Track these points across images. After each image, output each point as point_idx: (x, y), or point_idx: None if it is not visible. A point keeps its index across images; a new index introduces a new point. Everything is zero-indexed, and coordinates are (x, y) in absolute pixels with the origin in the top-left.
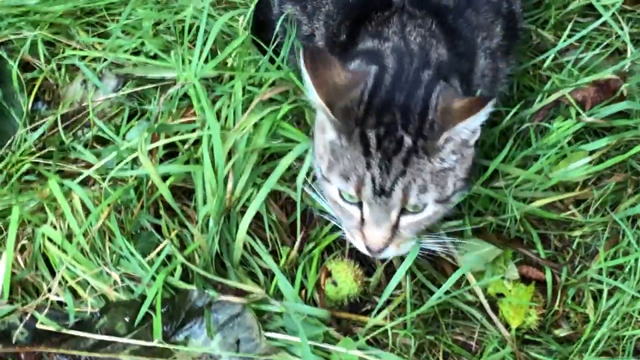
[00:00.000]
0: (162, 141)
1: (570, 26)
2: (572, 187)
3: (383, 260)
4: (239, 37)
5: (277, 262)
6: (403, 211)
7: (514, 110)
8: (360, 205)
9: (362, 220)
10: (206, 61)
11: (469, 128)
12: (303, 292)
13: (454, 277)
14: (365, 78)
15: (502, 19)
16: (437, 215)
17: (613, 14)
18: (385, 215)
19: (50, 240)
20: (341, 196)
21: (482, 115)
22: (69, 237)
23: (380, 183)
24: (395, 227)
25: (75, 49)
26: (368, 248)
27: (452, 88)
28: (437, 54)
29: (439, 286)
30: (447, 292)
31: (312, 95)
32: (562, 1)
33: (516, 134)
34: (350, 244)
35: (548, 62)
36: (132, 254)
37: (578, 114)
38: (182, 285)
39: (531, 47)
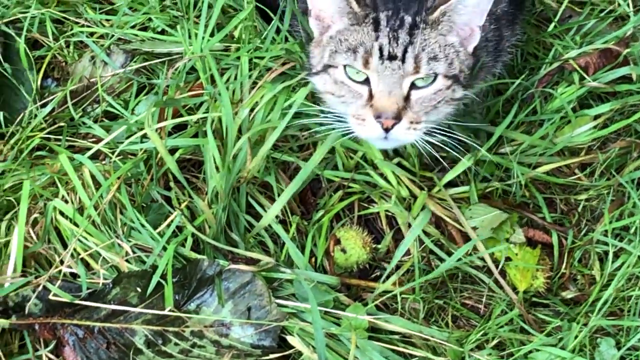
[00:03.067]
0: (170, 119)
1: None
2: (577, 151)
3: (391, 228)
4: (245, 10)
5: (287, 231)
6: (413, 86)
7: (518, 81)
8: (368, 82)
9: (371, 96)
10: (212, 35)
11: (462, 9)
12: (313, 259)
13: (465, 248)
14: None
15: None
16: (443, 101)
17: None
18: (397, 82)
19: (61, 213)
20: (348, 77)
21: None
22: (80, 210)
23: (390, 50)
24: (407, 100)
25: (83, 26)
26: (381, 119)
27: None
28: None
29: (447, 252)
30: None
31: None
32: None
33: (521, 100)
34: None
35: (551, 28)
36: (142, 225)
37: (582, 79)
38: (193, 255)
39: (535, 14)
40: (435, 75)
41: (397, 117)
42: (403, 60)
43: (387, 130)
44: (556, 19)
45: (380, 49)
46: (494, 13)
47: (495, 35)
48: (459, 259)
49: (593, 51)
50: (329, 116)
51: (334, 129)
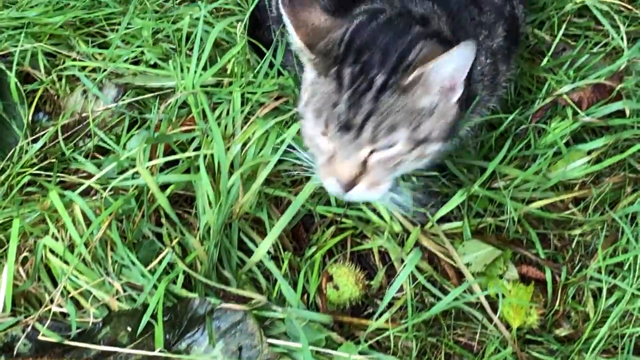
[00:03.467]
0: (162, 155)
1: (564, 26)
2: (571, 186)
3: (384, 264)
4: (237, 44)
5: (279, 267)
6: (373, 151)
7: (512, 116)
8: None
9: (333, 156)
10: (205, 69)
11: (442, 70)
12: (305, 296)
13: (460, 289)
14: (349, 22)
15: (504, 21)
16: (410, 158)
17: (608, 13)
18: (354, 150)
19: (52, 251)
20: (316, 130)
21: (455, 57)
22: (71, 247)
23: (347, 119)
24: (365, 164)
25: (75, 59)
26: (338, 182)
27: (440, 48)
28: (437, 24)
29: (441, 288)
30: (447, 294)
31: (292, 37)
32: (559, 3)
33: (514, 135)
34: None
35: (544, 62)
36: (133, 263)
37: (575, 113)
38: (184, 293)
39: (528, 47)
40: (396, 142)
41: (353, 184)
42: (361, 129)
43: (346, 190)
44: (549, 54)
45: (339, 117)
46: (490, 48)
47: (491, 69)
48: (451, 296)
49: (587, 86)
50: (310, 158)
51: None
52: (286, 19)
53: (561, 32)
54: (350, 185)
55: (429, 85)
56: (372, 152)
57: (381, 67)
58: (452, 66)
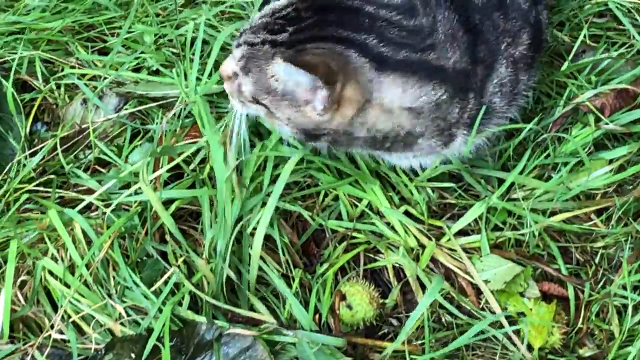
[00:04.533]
0: (166, 168)
1: (586, 27)
2: (592, 196)
3: (399, 281)
4: None
5: (289, 284)
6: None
7: (531, 125)
8: None
9: None
10: (211, 75)
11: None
12: (317, 315)
13: (484, 323)
14: None
15: (530, 27)
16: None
17: (629, 12)
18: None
19: (51, 273)
20: None
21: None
22: (72, 267)
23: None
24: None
25: (74, 67)
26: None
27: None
28: (443, 54)
29: (458, 306)
30: (465, 312)
31: None
32: (579, 2)
33: (533, 143)
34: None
35: (565, 67)
36: (136, 284)
37: (598, 120)
38: (191, 315)
39: (547, 50)
40: None
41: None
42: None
43: None
44: (569, 58)
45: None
46: (512, 56)
47: (511, 79)
48: (471, 315)
49: (609, 92)
50: None
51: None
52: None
53: (582, 35)
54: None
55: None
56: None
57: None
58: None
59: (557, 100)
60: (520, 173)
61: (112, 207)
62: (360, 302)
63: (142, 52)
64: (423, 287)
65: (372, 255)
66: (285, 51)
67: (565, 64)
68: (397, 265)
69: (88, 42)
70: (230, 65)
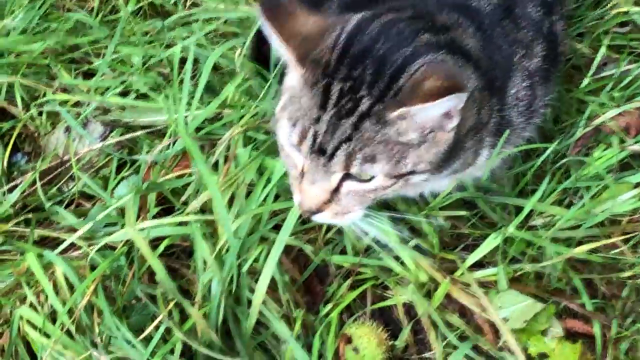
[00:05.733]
0: (153, 204)
1: (607, 38)
2: (618, 222)
3: (410, 319)
4: (236, 78)
5: (290, 325)
6: (348, 176)
7: (551, 147)
8: None
9: (303, 173)
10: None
11: (428, 113)
12: None
13: None
14: (343, 22)
15: (543, 39)
16: (389, 191)
17: None
18: (324, 176)
19: (30, 323)
20: (288, 141)
21: (444, 104)
22: (53, 314)
23: (321, 142)
24: (336, 192)
25: (56, 91)
26: (300, 206)
27: (448, 65)
28: (459, 35)
29: (474, 347)
30: (482, 353)
31: (282, 50)
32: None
33: (553, 166)
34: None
35: (584, 84)
36: (124, 337)
37: (622, 141)
38: None
39: (566, 63)
40: (373, 176)
41: (318, 210)
42: (332, 157)
43: (308, 216)
44: (590, 74)
45: (315, 136)
46: (526, 69)
47: (527, 94)
48: (489, 356)
49: (634, 110)
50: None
51: None
52: (273, 33)
53: (603, 48)
54: (316, 212)
55: (414, 123)
56: (345, 178)
57: (371, 88)
58: (439, 111)
59: (577, 119)
60: (540, 199)
61: (97, 248)
62: (367, 345)
63: (129, 75)
64: (435, 325)
65: (379, 291)
66: (390, 100)
67: (586, 81)
68: (407, 301)
69: (72, 64)
70: (320, 192)
